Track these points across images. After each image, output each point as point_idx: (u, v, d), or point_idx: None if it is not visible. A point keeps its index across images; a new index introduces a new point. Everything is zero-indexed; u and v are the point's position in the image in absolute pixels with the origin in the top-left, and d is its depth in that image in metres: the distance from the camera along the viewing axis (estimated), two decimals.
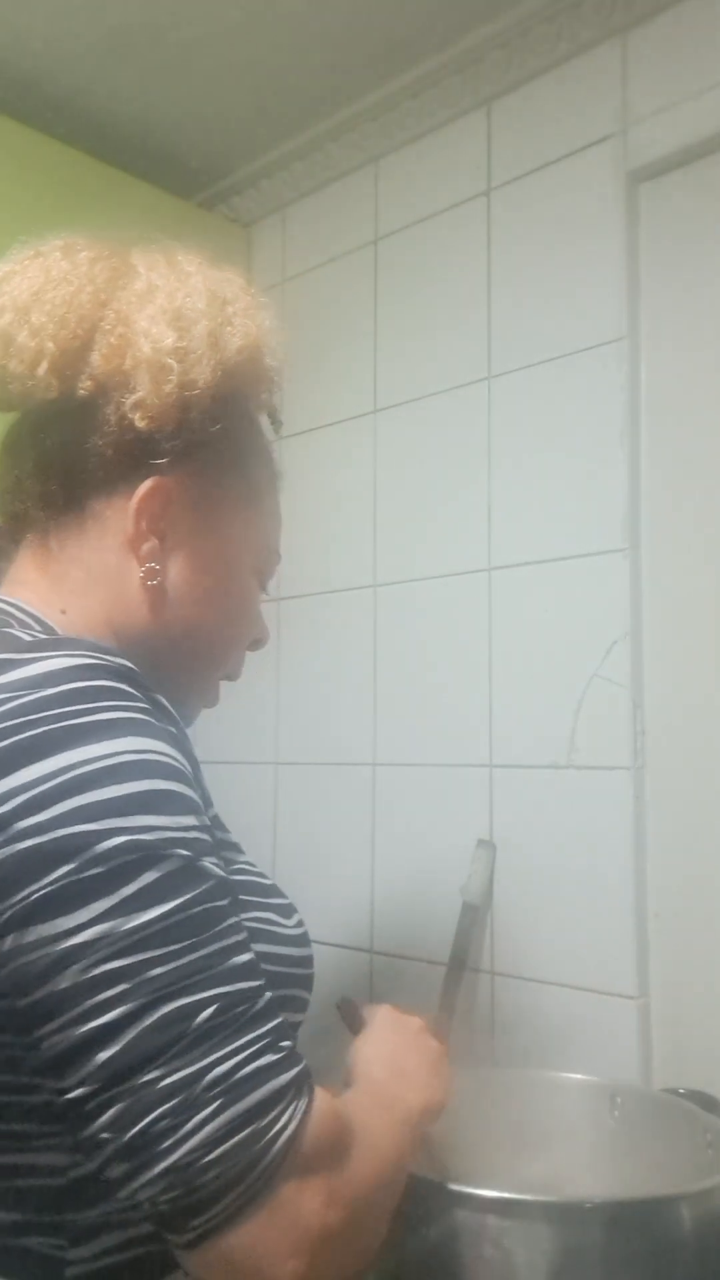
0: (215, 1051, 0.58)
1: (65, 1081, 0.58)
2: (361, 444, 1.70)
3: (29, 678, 0.63)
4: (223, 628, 0.82)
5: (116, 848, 0.58)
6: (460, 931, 1.44)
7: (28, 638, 0.70)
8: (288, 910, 0.78)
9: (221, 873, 0.63)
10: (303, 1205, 0.58)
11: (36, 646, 0.67)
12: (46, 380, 0.75)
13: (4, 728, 0.60)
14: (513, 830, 1.45)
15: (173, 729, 0.67)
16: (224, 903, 0.62)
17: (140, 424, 0.74)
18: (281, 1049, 0.60)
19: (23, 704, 0.61)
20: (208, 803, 0.75)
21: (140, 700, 0.65)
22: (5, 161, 1.53)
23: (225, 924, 0.61)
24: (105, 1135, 0.57)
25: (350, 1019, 0.93)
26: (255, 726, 1.80)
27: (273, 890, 0.78)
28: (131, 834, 0.59)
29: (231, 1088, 0.57)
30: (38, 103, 1.62)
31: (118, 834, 0.59)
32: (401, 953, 1.56)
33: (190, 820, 0.62)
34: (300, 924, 0.79)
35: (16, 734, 0.60)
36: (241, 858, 0.77)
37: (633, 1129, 1.12)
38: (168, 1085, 0.56)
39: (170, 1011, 0.57)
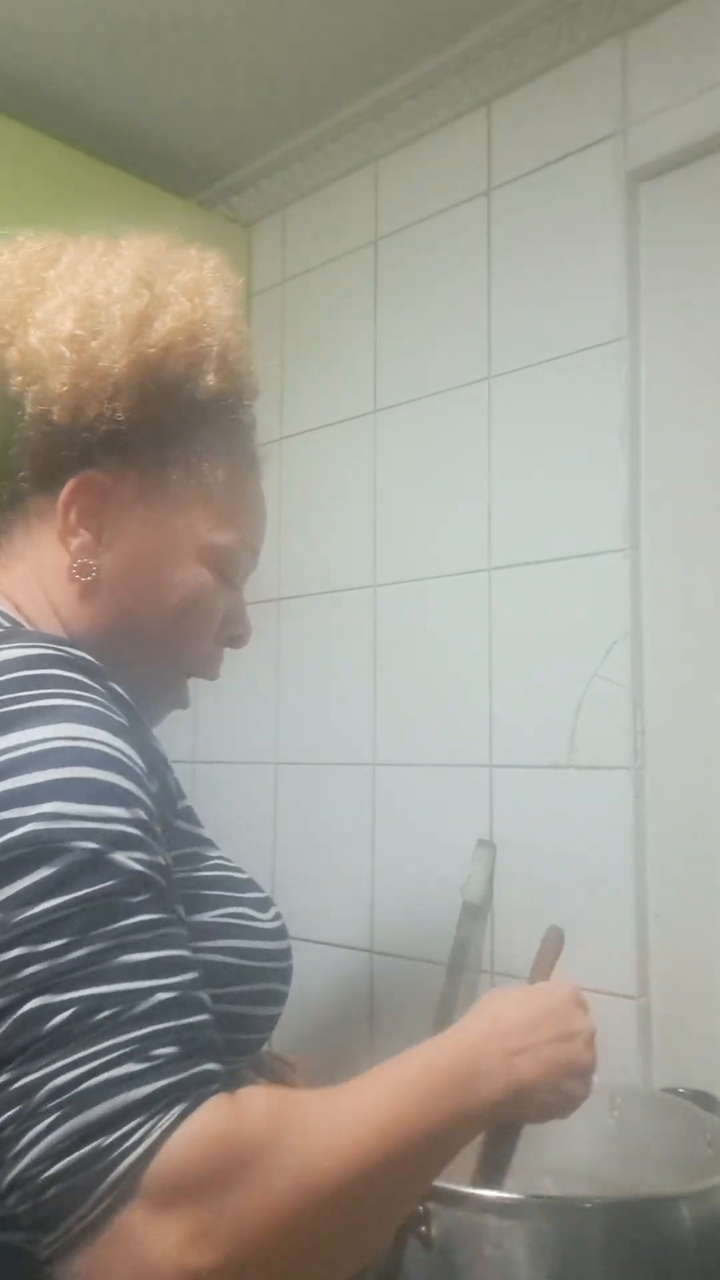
0: (63, 1059, 0.53)
1: None
2: (361, 444, 1.70)
3: None
4: (167, 623, 0.79)
5: (17, 839, 0.56)
6: (460, 931, 1.44)
7: None
8: (264, 904, 0.77)
9: (139, 867, 0.59)
10: (151, 1241, 0.51)
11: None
12: None
13: None
14: (513, 830, 1.44)
15: (124, 721, 0.65)
16: (136, 899, 0.58)
17: (56, 417, 0.73)
18: (152, 1058, 0.54)
19: None
20: (177, 794, 0.75)
21: (91, 690, 0.64)
22: (5, 161, 1.53)
23: (126, 921, 0.57)
24: None
25: (546, 956, 0.92)
26: (255, 726, 1.80)
27: (248, 884, 0.77)
28: (37, 823, 0.57)
29: (72, 1100, 0.53)
30: (38, 103, 1.62)
31: (22, 824, 0.57)
32: (401, 953, 1.56)
33: (115, 811, 0.60)
34: (277, 917, 0.78)
35: None
36: (214, 853, 0.76)
37: (633, 1129, 1.12)
38: (12, 1091, 0.53)
39: (29, 1012, 0.54)
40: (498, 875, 1.45)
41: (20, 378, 0.74)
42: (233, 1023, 0.69)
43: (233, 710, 1.79)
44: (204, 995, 0.60)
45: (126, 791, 0.61)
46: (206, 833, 0.78)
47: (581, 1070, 0.76)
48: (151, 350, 0.74)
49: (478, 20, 1.48)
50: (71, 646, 0.68)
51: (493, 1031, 0.72)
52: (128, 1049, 0.54)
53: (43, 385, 0.73)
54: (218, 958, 0.70)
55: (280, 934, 0.77)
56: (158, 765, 0.69)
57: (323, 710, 1.72)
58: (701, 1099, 1.13)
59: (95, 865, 0.57)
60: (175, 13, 1.47)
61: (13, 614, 0.75)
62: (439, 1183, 0.86)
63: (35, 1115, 0.52)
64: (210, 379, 0.78)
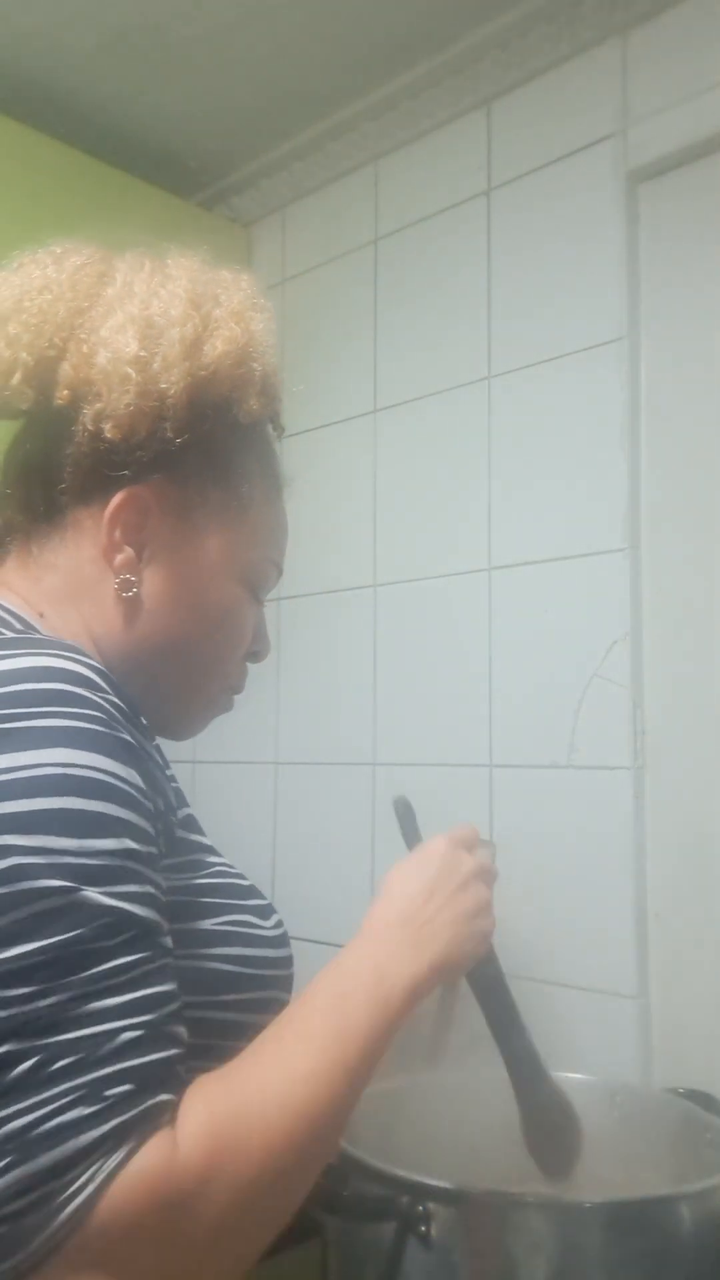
0: (18, 1104, 0.54)
1: None
2: (361, 444, 1.70)
3: None
4: (206, 640, 0.81)
5: (7, 870, 0.57)
6: None
7: (5, 633, 0.69)
8: (265, 911, 0.77)
9: (119, 903, 0.59)
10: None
11: (7, 644, 0.66)
12: (20, 390, 0.75)
13: None
14: (513, 830, 1.44)
15: (125, 736, 0.65)
16: (111, 941, 0.58)
17: (109, 434, 0.74)
18: (105, 1098, 0.55)
19: None
20: (178, 804, 0.75)
21: (97, 709, 0.63)
22: (5, 161, 1.53)
23: (98, 968, 0.57)
24: None
25: (405, 823, 0.96)
26: (255, 726, 1.80)
27: (251, 891, 0.77)
28: (17, 857, 0.57)
29: (25, 1145, 0.54)
30: (38, 103, 1.62)
31: (5, 855, 0.57)
32: None
33: (101, 843, 0.59)
34: (279, 924, 0.78)
35: None
36: (216, 859, 0.76)
37: (633, 1129, 1.12)
38: None
39: None
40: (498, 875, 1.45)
41: (69, 392, 0.74)
42: (232, 1031, 0.69)
43: (233, 710, 1.79)
44: (178, 1029, 0.60)
45: (116, 820, 0.61)
46: (208, 840, 0.78)
47: (483, 907, 0.84)
48: (203, 373, 0.76)
49: (478, 20, 1.48)
50: (85, 655, 0.67)
51: (394, 918, 0.79)
52: (81, 1092, 0.54)
53: (105, 404, 0.74)
54: (218, 965, 0.70)
55: (282, 941, 0.77)
56: (159, 779, 0.68)
57: (323, 710, 1.72)
58: (701, 1099, 1.13)
59: (70, 908, 0.57)
60: (175, 13, 1.47)
61: (34, 623, 0.75)
62: (439, 1182, 0.86)
63: None
64: (253, 402, 0.80)
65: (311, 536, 1.74)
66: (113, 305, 0.77)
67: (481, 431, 1.53)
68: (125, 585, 0.76)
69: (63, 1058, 0.55)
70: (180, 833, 0.74)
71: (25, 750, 0.59)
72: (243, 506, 0.81)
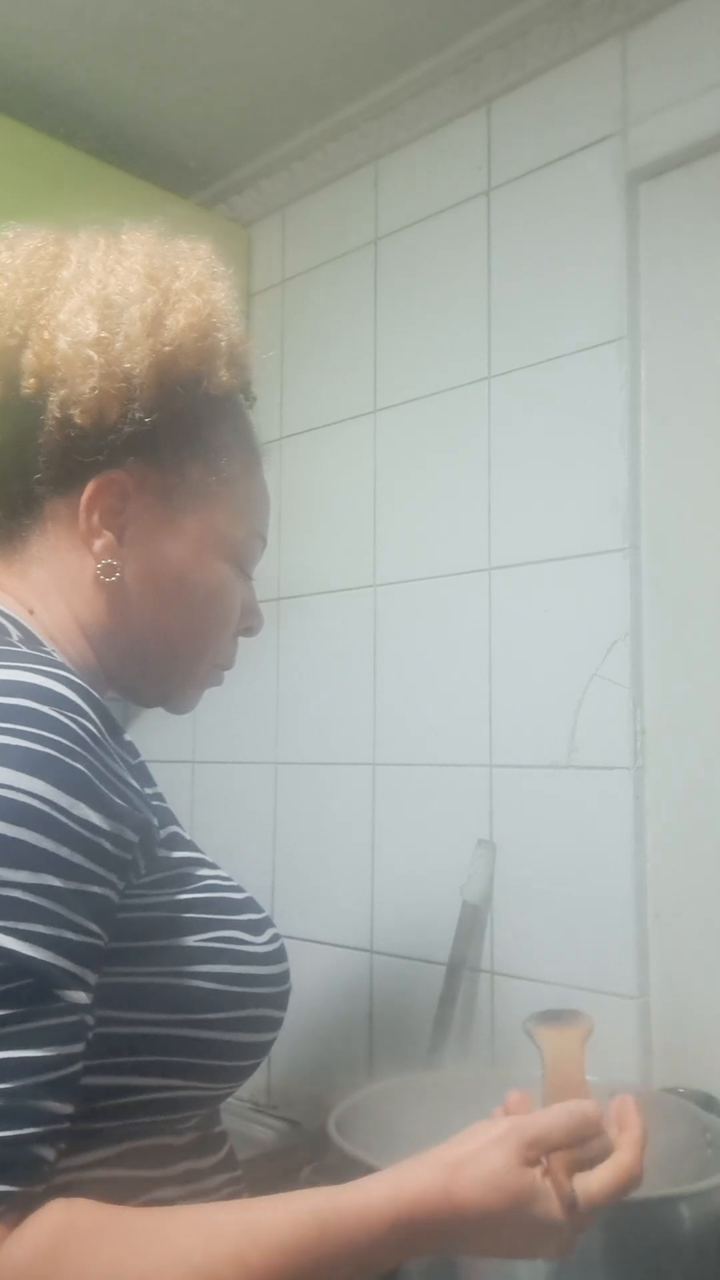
0: None
1: None
2: (361, 444, 1.70)
3: None
4: (194, 621, 0.79)
5: None
6: (460, 931, 1.44)
7: None
8: (258, 926, 0.74)
9: (16, 946, 0.54)
10: None
11: None
12: None
13: None
14: (513, 830, 1.44)
15: (86, 768, 0.61)
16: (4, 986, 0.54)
17: (78, 420, 0.72)
18: None
19: None
20: (161, 824, 0.71)
21: (60, 731, 0.60)
22: (5, 161, 1.53)
23: None
24: None
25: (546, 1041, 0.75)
26: (255, 726, 1.80)
27: (244, 905, 0.74)
28: None
29: None
30: (38, 102, 1.62)
31: None
32: (401, 953, 1.56)
33: (14, 875, 0.55)
34: (274, 939, 0.75)
35: None
36: (207, 873, 0.73)
37: None
38: None
39: None
40: (498, 875, 1.45)
41: (35, 380, 0.73)
42: (219, 1050, 0.68)
43: (232, 710, 1.79)
44: (48, 1105, 0.54)
45: (38, 852, 0.57)
46: (201, 854, 0.75)
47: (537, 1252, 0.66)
48: (167, 349, 0.74)
49: (478, 20, 1.48)
50: (66, 671, 0.65)
51: (434, 1215, 0.60)
52: None
53: (70, 389, 0.72)
54: (203, 984, 0.67)
55: (275, 957, 0.74)
56: (132, 802, 0.65)
57: (323, 710, 1.72)
58: (701, 1099, 1.13)
59: None
60: (175, 13, 1.47)
61: (25, 622, 0.73)
62: None
63: None
64: (223, 374, 0.78)
65: (311, 536, 1.74)
66: (69, 287, 0.75)
67: (481, 432, 1.53)
68: (108, 570, 0.74)
69: None
70: (161, 851, 0.70)
71: None
72: (222, 481, 0.79)
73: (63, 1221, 0.52)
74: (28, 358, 0.73)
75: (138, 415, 0.73)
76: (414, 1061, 1.44)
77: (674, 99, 1.35)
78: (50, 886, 0.56)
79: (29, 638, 0.72)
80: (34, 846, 0.56)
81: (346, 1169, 0.91)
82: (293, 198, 1.85)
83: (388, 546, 1.66)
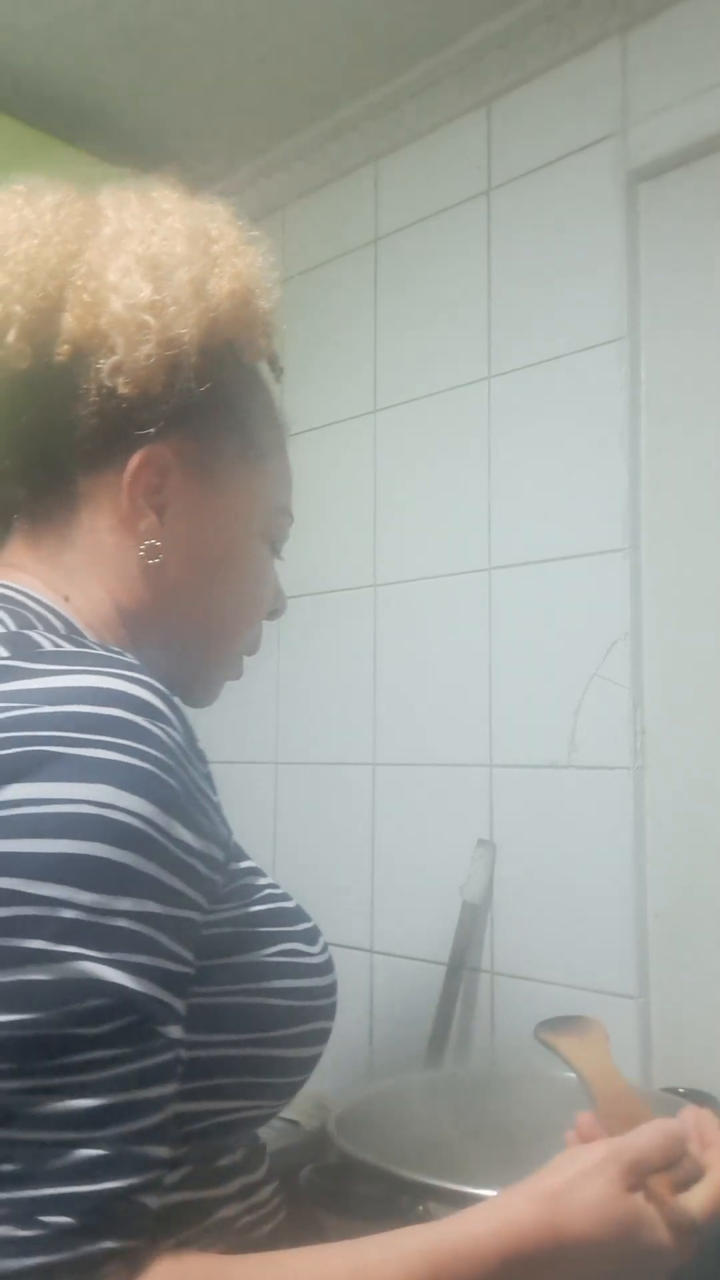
0: None
1: None
2: (361, 444, 1.70)
3: (33, 690, 0.54)
4: (236, 601, 0.75)
5: (7, 922, 0.49)
6: (460, 931, 1.44)
7: (48, 645, 0.60)
8: (313, 936, 0.70)
9: (123, 980, 0.51)
10: None
11: (56, 657, 0.58)
12: (17, 348, 0.66)
13: None
14: (513, 830, 1.44)
15: (180, 784, 0.57)
16: (99, 1029, 0.50)
17: (123, 390, 0.66)
18: (38, 1224, 0.47)
19: (10, 719, 0.53)
20: (214, 837, 0.65)
21: (156, 745, 0.55)
22: (4, 160, 1.53)
23: (75, 1058, 0.49)
24: None
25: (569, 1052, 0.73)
26: (255, 726, 1.80)
27: (299, 914, 0.70)
28: (21, 906, 0.49)
29: None
30: (37, 101, 1.62)
31: (12, 902, 0.49)
32: (401, 953, 1.56)
33: (119, 904, 0.51)
34: (325, 949, 0.71)
35: None
36: (264, 882, 0.69)
37: None
38: None
39: None
40: (498, 875, 1.45)
41: (69, 347, 0.66)
42: (283, 1067, 0.65)
43: (233, 710, 1.78)
44: (151, 1150, 0.51)
45: (143, 877, 0.53)
46: (253, 860, 0.71)
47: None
48: (212, 315, 0.69)
49: (478, 20, 1.48)
50: (148, 675, 0.59)
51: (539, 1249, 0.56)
52: (15, 1209, 0.46)
53: (123, 356, 0.66)
54: (273, 1000, 0.64)
55: (328, 968, 0.70)
56: (215, 819, 0.61)
57: (323, 710, 1.72)
58: (701, 1099, 1.13)
59: (64, 979, 0.49)
60: (175, 13, 1.47)
61: (63, 611, 0.68)
62: (438, 1182, 0.86)
63: None
64: (260, 342, 0.73)
65: (311, 536, 1.74)
66: (113, 245, 0.69)
67: (481, 431, 1.53)
68: (151, 552, 0.69)
69: (7, 1162, 0.47)
70: (233, 864, 0.66)
71: (64, 781, 0.52)
72: (258, 455, 0.75)
73: (176, 1278, 0.50)
74: (66, 322, 0.67)
75: (186, 385, 0.68)
76: (414, 1061, 1.44)
77: (674, 99, 1.35)
78: (152, 914, 0.53)
79: (70, 628, 0.67)
80: (137, 871, 0.52)
81: (346, 1169, 0.91)
82: (293, 198, 1.85)
83: (388, 546, 1.66)
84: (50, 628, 0.65)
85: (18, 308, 0.66)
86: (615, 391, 1.39)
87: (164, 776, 0.55)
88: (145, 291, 0.67)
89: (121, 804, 0.52)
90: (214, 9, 1.46)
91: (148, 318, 0.66)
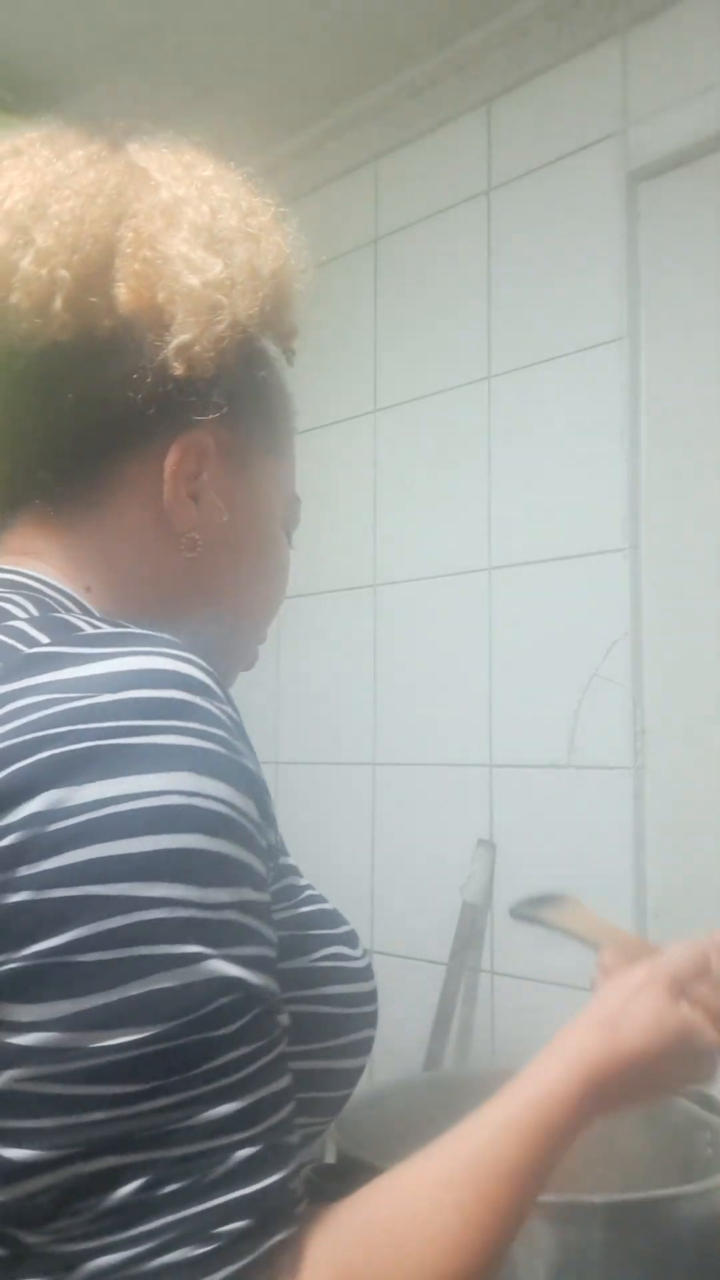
0: (119, 1233, 0.44)
1: None
2: (361, 444, 1.70)
3: (82, 679, 0.50)
4: (264, 590, 0.72)
5: (108, 933, 0.46)
6: (460, 931, 1.44)
7: (86, 627, 0.56)
8: (354, 939, 0.66)
9: (243, 973, 0.49)
10: None
11: (100, 640, 0.53)
12: (61, 318, 0.60)
13: (42, 737, 0.47)
14: (513, 830, 1.44)
15: (249, 761, 0.54)
16: (232, 1026, 0.48)
17: (178, 371, 0.61)
18: (216, 1237, 0.45)
19: (71, 710, 0.48)
20: (271, 823, 0.62)
21: (218, 724, 0.52)
22: None
23: (216, 1061, 0.47)
24: None
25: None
26: (255, 726, 1.79)
27: (338, 917, 0.67)
28: (142, 912, 0.46)
29: None
30: (37, 102, 1.62)
31: (116, 910, 0.46)
32: (401, 953, 1.56)
33: (223, 895, 0.49)
34: (366, 953, 0.67)
35: (54, 746, 0.47)
36: (304, 883, 0.65)
37: (633, 1129, 1.12)
38: (56, 1257, 0.45)
39: (95, 1172, 0.45)
40: (498, 875, 1.45)
41: (119, 321, 0.61)
42: (326, 1080, 0.61)
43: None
44: (291, 1138, 0.50)
45: (238, 865, 0.50)
46: (290, 858, 0.67)
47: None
48: (262, 293, 0.65)
49: (478, 20, 1.48)
50: (193, 652, 0.55)
51: (602, 1077, 0.59)
52: (189, 1227, 0.45)
53: (193, 335, 0.61)
54: (314, 1008, 0.60)
55: (370, 973, 0.66)
56: (268, 804, 0.58)
57: (323, 710, 1.72)
58: (701, 1099, 1.13)
59: (193, 982, 0.47)
60: (175, 13, 1.47)
61: (85, 600, 0.63)
62: None
63: None
64: (292, 325, 0.69)
65: (311, 536, 1.74)
66: (166, 213, 0.64)
67: (481, 431, 1.53)
68: (190, 545, 0.65)
69: (171, 1181, 0.45)
70: (281, 857, 0.63)
71: (145, 774, 0.48)
72: (281, 441, 0.72)
73: (331, 1252, 0.49)
74: (121, 293, 0.61)
75: (242, 367, 0.65)
76: (414, 1061, 1.44)
77: (674, 99, 1.35)
78: (251, 901, 0.50)
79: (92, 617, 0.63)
80: (232, 858, 0.50)
81: (347, 1169, 0.91)
82: (293, 197, 1.84)
83: (388, 546, 1.66)
84: (87, 615, 0.61)
85: (64, 273, 0.60)
86: (615, 391, 1.39)
87: (234, 756, 0.52)
88: (217, 268, 0.62)
89: (205, 790, 0.49)
90: (214, 9, 1.46)
91: (221, 297, 0.62)
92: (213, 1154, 0.46)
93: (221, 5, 1.46)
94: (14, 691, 0.49)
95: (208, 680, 0.54)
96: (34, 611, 0.58)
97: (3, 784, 0.46)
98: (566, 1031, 0.62)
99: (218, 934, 0.48)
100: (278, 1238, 0.47)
